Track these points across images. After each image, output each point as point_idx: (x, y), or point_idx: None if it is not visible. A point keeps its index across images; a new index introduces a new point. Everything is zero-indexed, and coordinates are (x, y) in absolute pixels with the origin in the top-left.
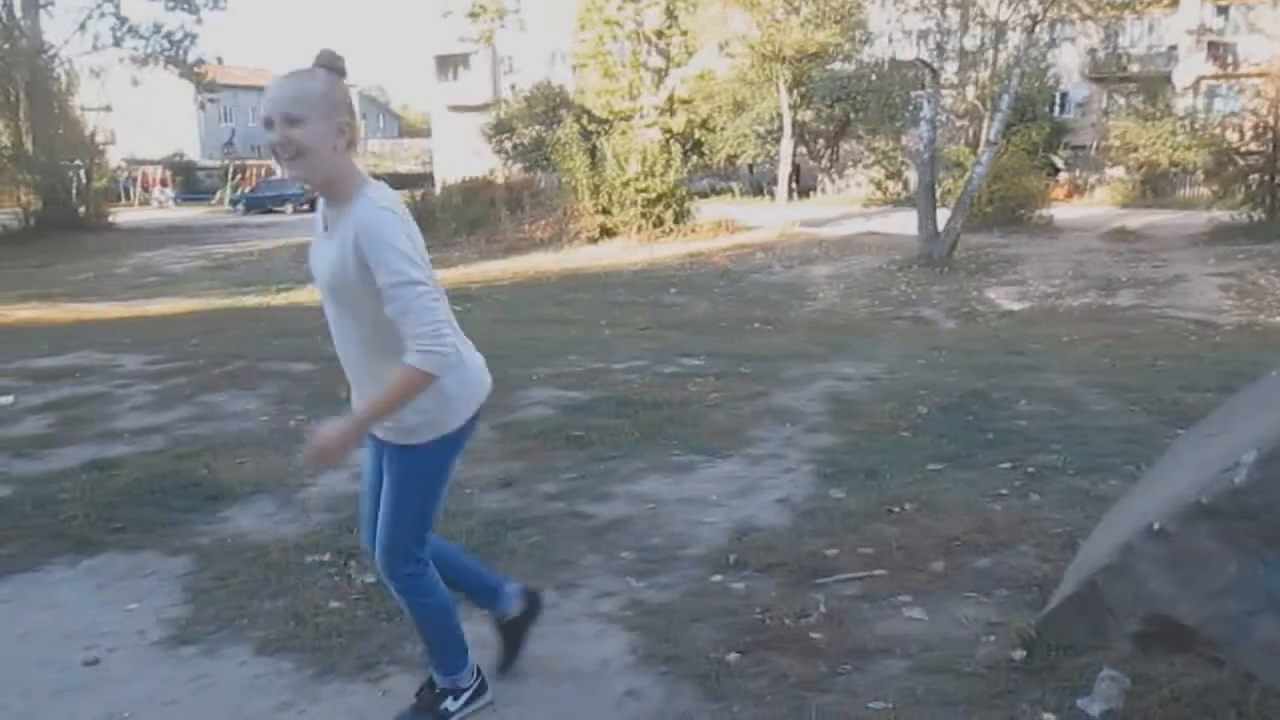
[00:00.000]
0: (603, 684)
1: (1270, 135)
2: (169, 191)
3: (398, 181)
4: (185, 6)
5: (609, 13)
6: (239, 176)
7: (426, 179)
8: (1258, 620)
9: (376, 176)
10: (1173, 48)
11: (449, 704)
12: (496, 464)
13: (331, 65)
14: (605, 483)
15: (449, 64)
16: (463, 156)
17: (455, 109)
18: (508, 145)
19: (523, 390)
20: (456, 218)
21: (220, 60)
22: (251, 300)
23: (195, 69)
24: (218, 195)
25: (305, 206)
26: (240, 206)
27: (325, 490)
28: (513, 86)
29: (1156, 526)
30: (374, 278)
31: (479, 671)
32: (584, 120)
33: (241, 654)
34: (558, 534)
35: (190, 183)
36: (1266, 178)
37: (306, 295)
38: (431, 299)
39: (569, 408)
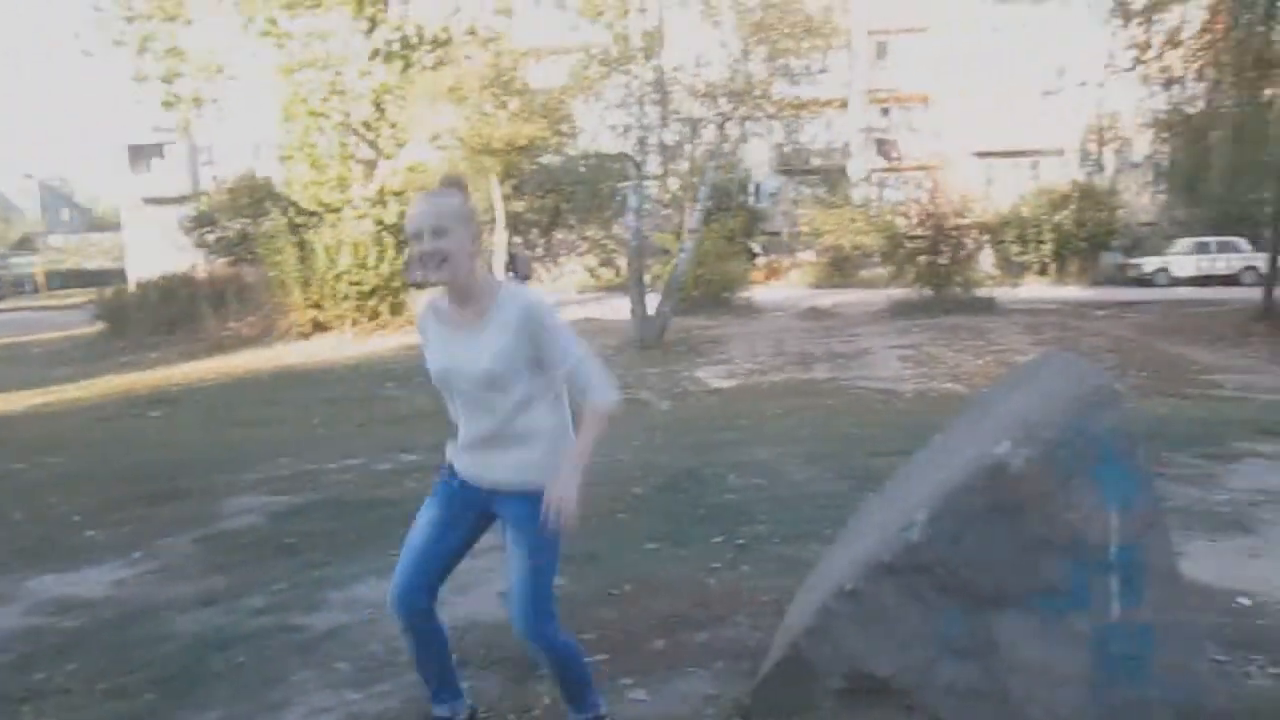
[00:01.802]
0: None
1: (932, 221)
2: None
3: (85, 279)
4: None
5: (314, 104)
6: None
7: (117, 275)
8: (939, 665)
9: (58, 274)
10: (847, 144)
11: None
12: (198, 581)
13: (459, 184)
14: (319, 591)
15: (143, 154)
16: (161, 251)
17: (150, 201)
18: (210, 239)
19: (229, 498)
20: (154, 317)
21: None
22: None
23: None
24: None
25: None
26: None
27: None
28: (214, 178)
29: (848, 587)
30: (539, 354)
31: None
32: (292, 213)
33: None
34: (267, 651)
35: None
36: (931, 259)
37: None
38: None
39: (279, 514)
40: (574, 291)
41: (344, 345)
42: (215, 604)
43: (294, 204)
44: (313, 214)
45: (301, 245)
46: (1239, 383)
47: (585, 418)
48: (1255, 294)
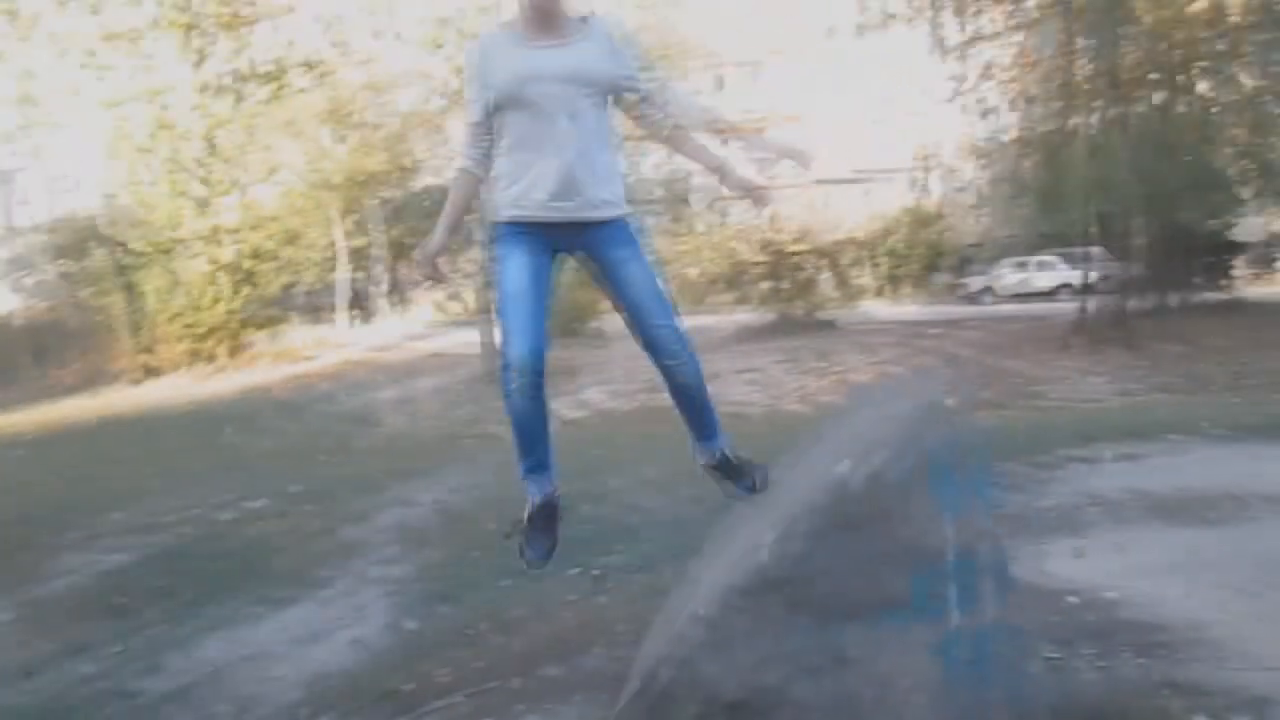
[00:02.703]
0: None
1: (773, 246)
2: None
3: None
4: None
5: (141, 140)
6: None
7: None
8: (794, 684)
9: None
10: (689, 173)
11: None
12: (16, 652)
13: None
14: (156, 653)
15: None
16: None
17: None
18: (28, 282)
19: (52, 559)
20: None
21: None
22: None
23: None
24: None
25: None
26: None
27: None
28: (31, 218)
29: (700, 612)
30: (620, 76)
31: None
32: (119, 253)
33: None
34: (115, 717)
35: None
36: (774, 284)
37: None
38: None
39: (109, 572)
40: (422, 326)
41: (180, 390)
42: (37, 674)
43: (120, 244)
44: (141, 254)
45: (130, 287)
46: (1061, 392)
47: (693, 137)
48: (1072, 308)
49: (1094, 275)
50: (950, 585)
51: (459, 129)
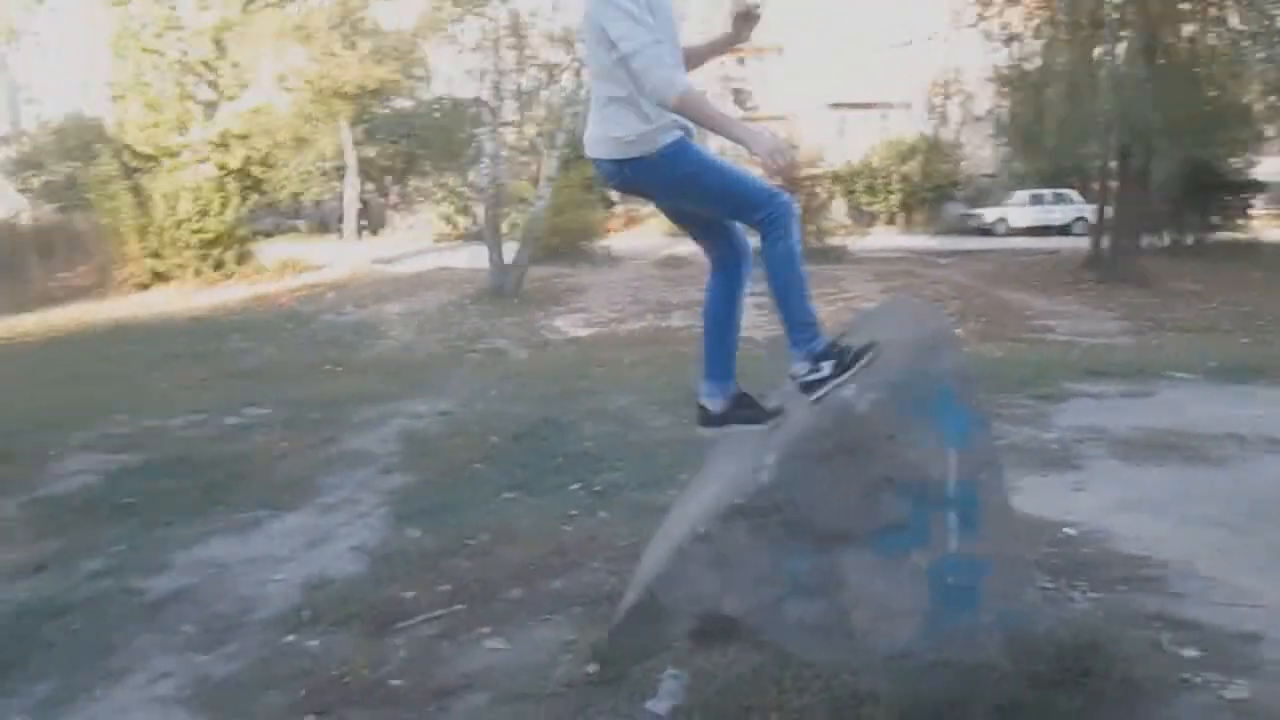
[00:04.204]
0: None
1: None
2: None
3: None
4: None
5: (146, 40)
6: None
7: None
8: (787, 603)
9: None
10: (703, 92)
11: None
12: (27, 546)
13: None
14: (161, 552)
15: None
16: None
17: None
18: (35, 184)
19: (61, 459)
20: None
21: None
22: None
23: None
24: None
25: None
26: None
27: None
28: (37, 117)
29: (701, 530)
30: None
31: None
32: (126, 156)
33: None
34: (105, 616)
35: None
36: None
37: None
38: None
39: (117, 473)
40: (430, 240)
41: (186, 297)
42: (46, 569)
43: (128, 147)
44: (149, 158)
45: (137, 191)
46: (1069, 327)
47: None
48: (1085, 243)
49: (1109, 210)
50: (949, 513)
51: (469, 39)
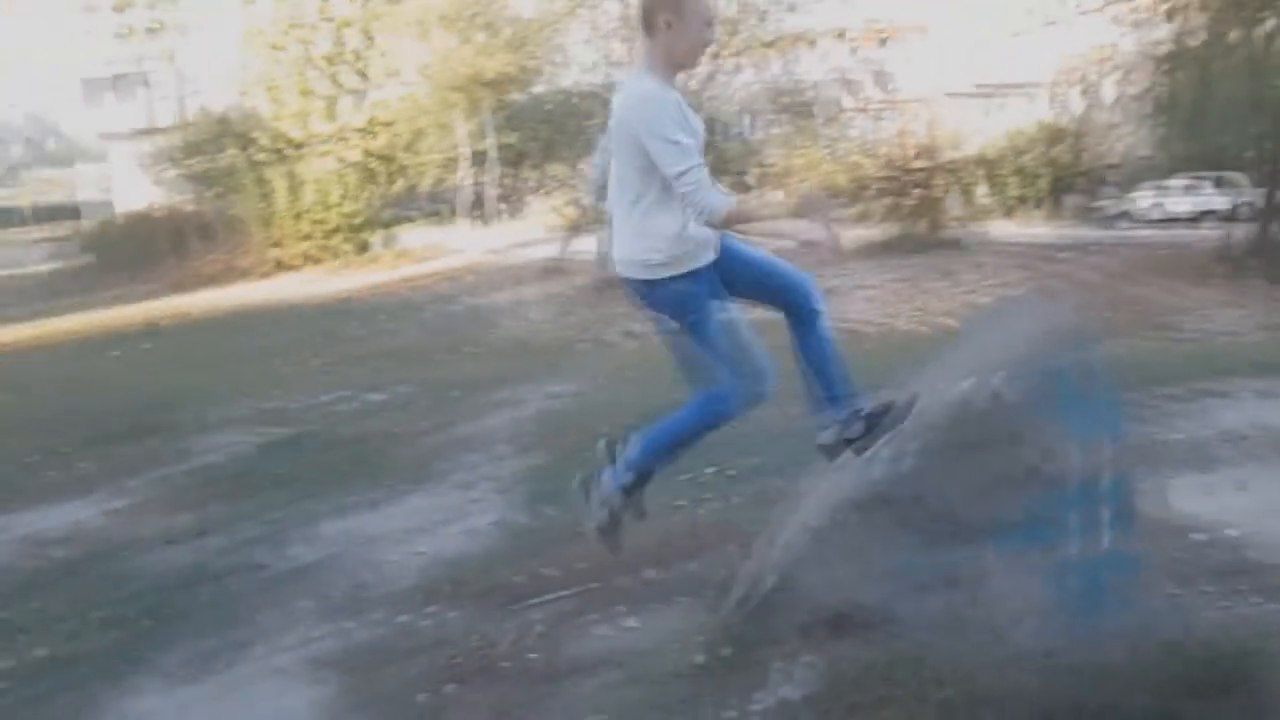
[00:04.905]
0: None
1: (900, 160)
2: None
3: (72, 211)
4: None
5: (274, 38)
6: None
7: (104, 207)
8: (925, 595)
9: (45, 206)
10: (816, 83)
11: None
12: (168, 518)
13: None
14: (308, 522)
15: (106, 87)
16: (123, 186)
17: (108, 137)
18: (172, 175)
19: (196, 436)
20: (114, 254)
21: None
22: None
23: None
24: None
25: None
26: None
27: None
28: (179, 112)
29: (810, 524)
30: None
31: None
32: (255, 149)
33: None
34: (236, 589)
35: None
36: (898, 199)
37: None
38: None
39: (265, 447)
40: (544, 230)
41: (309, 284)
42: (185, 541)
43: (255, 140)
44: (276, 150)
45: (261, 183)
46: (1196, 324)
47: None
48: (1215, 236)
49: (1242, 202)
50: (1071, 512)
51: (581, 33)
